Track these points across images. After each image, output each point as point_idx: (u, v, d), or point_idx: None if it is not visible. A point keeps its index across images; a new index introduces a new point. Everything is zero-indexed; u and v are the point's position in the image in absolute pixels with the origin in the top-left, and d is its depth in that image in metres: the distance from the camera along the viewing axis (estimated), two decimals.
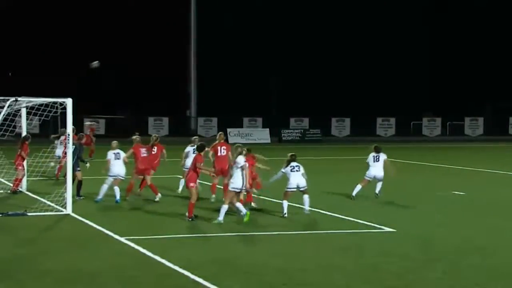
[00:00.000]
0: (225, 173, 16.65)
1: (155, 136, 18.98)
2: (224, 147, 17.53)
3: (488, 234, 13.78)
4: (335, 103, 56.95)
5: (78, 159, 17.33)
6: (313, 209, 16.37)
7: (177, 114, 51.81)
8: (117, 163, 17.11)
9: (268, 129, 48.41)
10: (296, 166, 15.90)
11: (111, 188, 17.20)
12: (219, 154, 17.40)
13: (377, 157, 18.20)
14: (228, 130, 46.50)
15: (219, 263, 11.12)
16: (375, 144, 19.01)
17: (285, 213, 15.55)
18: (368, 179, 18.33)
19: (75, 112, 15.90)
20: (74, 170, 16.75)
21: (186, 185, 15.34)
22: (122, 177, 17.23)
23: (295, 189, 15.81)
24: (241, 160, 14.83)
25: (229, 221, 15.07)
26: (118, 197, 17.10)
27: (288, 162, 15.93)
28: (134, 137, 18.51)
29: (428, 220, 15.39)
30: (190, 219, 14.86)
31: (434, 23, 60.77)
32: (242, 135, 46.99)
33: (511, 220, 15.44)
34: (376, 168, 18.14)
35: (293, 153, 16.22)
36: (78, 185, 17.40)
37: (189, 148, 18.38)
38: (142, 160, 17.62)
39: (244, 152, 15.13)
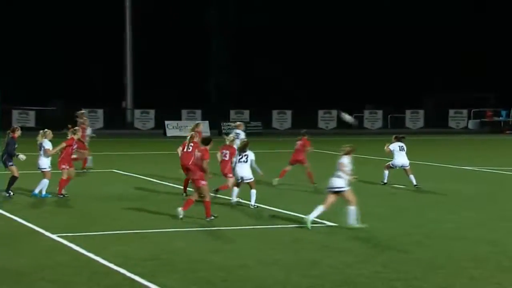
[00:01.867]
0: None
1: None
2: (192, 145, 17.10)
3: (427, 227, 14.16)
4: (276, 95, 57.31)
5: (9, 153, 16.86)
6: (261, 205, 16.45)
7: (112, 106, 51.05)
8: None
9: (207, 121, 48.32)
10: (245, 155, 15.89)
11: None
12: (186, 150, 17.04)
13: (402, 146, 19.69)
14: (166, 122, 46.18)
15: (156, 260, 11.07)
16: (396, 135, 20.73)
17: (233, 200, 15.87)
18: (394, 167, 19.83)
19: (2, 102, 15.47)
20: (6, 165, 16.33)
21: (196, 185, 14.36)
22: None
23: (239, 181, 15.84)
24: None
25: (166, 217, 15.01)
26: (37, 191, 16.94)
27: (239, 150, 15.96)
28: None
29: (369, 214, 15.69)
30: (210, 219, 14.20)
31: (371, 13, 61.65)
32: (181, 128, 46.71)
33: (449, 213, 15.92)
34: (403, 157, 19.63)
35: (245, 141, 16.31)
36: (11, 180, 16.93)
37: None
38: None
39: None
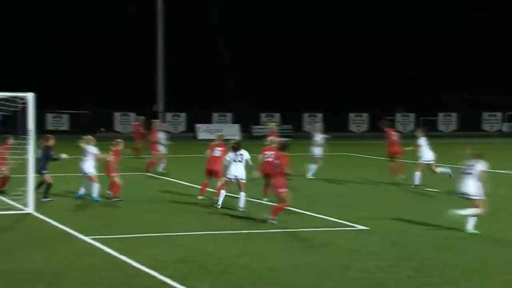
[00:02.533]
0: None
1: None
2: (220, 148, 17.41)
3: (462, 231, 14.00)
4: (307, 98, 57.17)
5: (47, 161, 17.15)
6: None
7: (143, 109, 51.49)
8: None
9: (238, 124, 48.46)
10: (240, 154, 16.00)
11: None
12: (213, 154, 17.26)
13: (427, 141, 20.40)
14: (197, 125, 46.46)
15: (187, 263, 11.15)
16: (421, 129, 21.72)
17: (218, 205, 15.95)
18: (426, 162, 20.26)
19: (37, 107, 15.72)
20: (40, 173, 16.63)
21: (275, 192, 14.32)
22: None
23: (233, 179, 15.94)
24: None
25: (197, 219, 15.12)
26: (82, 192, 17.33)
27: (233, 150, 16.08)
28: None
29: (402, 217, 15.58)
30: (271, 222, 14.19)
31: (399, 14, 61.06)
32: (212, 131, 46.89)
33: (482, 217, 15.71)
34: (430, 151, 20.27)
35: (238, 140, 16.55)
36: (47, 188, 17.18)
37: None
38: None
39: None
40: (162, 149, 23.97)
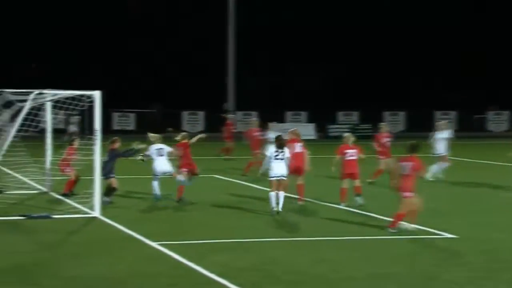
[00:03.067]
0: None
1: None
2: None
3: None
4: (389, 95, 56.39)
5: (113, 164, 17.58)
6: (364, 212, 16.36)
7: (213, 108, 52.02)
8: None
9: (313, 124, 48.29)
10: (281, 152, 16.01)
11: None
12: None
13: None
14: (270, 124, 46.41)
15: (258, 271, 11.19)
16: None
17: (273, 207, 15.88)
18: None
19: (103, 105, 16.12)
20: (106, 177, 17.06)
21: (403, 195, 13.89)
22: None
23: (278, 178, 15.92)
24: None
25: (268, 225, 15.17)
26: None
27: (278, 146, 16.12)
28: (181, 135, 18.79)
29: (493, 225, 15.17)
30: (392, 230, 14.10)
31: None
32: (285, 131, 46.88)
33: None
34: None
35: (280, 136, 16.61)
36: (111, 191, 17.55)
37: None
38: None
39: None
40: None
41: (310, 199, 18.51)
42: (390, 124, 51.39)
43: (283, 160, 16.01)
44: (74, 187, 18.35)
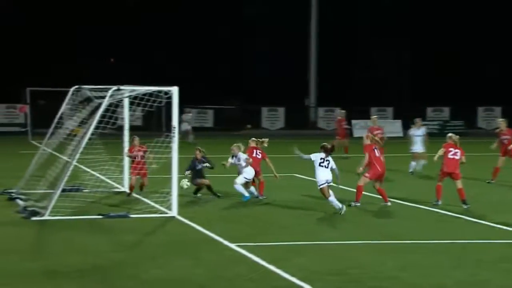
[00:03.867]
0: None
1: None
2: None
3: None
4: (483, 89, 55.02)
5: (199, 171, 18.39)
6: (457, 215, 16.14)
7: (294, 104, 52.03)
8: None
9: (400, 121, 47.65)
10: (326, 160, 16.49)
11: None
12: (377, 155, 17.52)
13: None
14: (353, 122, 46.27)
15: (342, 275, 11.20)
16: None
17: (340, 206, 16.40)
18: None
19: (181, 102, 16.43)
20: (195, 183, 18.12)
21: None
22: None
23: (325, 185, 16.43)
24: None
25: (351, 227, 15.13)
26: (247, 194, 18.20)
27: (326, 152, 16.52)
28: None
29: None
30: None
31: None
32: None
33: None
34: None
35: (326, 144, 16.85)
36: (209, 188, 18.50)
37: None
38: None
39: None
40: (418, 147, 24.24)
41: (398, 200, 18.37)
42: (485, 121, 50.39)
43: (327, 168, 16.51)
44: (143, 189, 18.86)
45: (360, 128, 46.23)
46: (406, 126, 46.08)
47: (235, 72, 57.75)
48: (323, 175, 16.49)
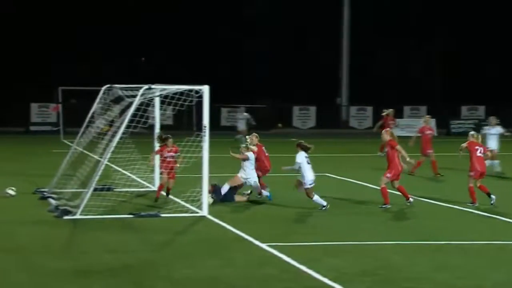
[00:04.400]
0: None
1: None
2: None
3: None
4: None
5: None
6: (494, 216, 15.95)
7: (325, 103, 51.85)
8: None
9: (433, 119, 47.22)
10: (308, 158, 16.62)
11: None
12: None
13: None
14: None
15: (374, 276, 11.12)
16: None
17: (324, 206, 16.67)
18: None
19: (211, 100, 16.44)
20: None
21: None
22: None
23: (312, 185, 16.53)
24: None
25: (384, 227, 15.02)
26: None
27: (307, 150, 16.58)
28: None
29: None
30: None
31: None
32: (402, 127, 46.22)
33: None
34: None
35: (302, 141, 16.88)
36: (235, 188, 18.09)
37: None
38: None
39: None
40: (493, 144, 23.58)
41: (432, 200, 18.20)
42: None
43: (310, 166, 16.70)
44: (162, 193, 18.17)
45: (393, 127, 45.88)
46: (441, 126, 45.87)
47: (266, 71, 57.62)
48: (311, 174, 16.70)
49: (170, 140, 18.09)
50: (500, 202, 17.33)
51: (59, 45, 53.90)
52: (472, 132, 17.97)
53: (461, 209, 17.09)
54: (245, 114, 36.47)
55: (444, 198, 18.59)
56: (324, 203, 16.85)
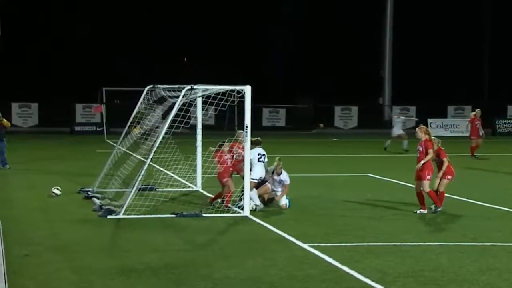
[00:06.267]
0: None
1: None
2: None
3: None
4: None
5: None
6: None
7: (368, 102, 51.51)
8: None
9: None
10: (263, 155, 16.48)
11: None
12: None
13: None
14: (429, 120, 45.54)
15: (418, 277, 10.99)
16: None
17: (256, 206, 16.32)
18: None
19: (253, 101, 16.43)
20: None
21: None
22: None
23: (259, 181, 16.37)
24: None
25: (427, 228, 14.85)
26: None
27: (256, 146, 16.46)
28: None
29: None
30: None
31: None
32: (446, 127, 45.73)
33: None
34: None
35: (259, 138, 16.63)
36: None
37: None
38: None
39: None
40: None
41: (478, 201, 17.96)
42: None
43: (263, 163, 16.62)
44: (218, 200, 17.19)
45: (437, 127, 45.46)
46: (485, 125, 45.22)
47: (306, 71, 57.52)
48: (260, 171, 16.65)
49: (227, 144, 17.17)
50: None
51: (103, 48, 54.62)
52: (433, 137, 16.52)
53: (506, 210, 16.80)
54: (402, 117, 34.75)
55: (485, 199, 18.30)
56: (258, 203, 16.42)
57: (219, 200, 17.04)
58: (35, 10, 55.25)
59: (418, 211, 16.31)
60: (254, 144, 16.76)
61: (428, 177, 16.11)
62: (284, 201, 16.94)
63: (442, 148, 16.63)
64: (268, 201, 17.08)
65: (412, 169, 16.93)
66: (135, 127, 18.16)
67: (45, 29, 55.22)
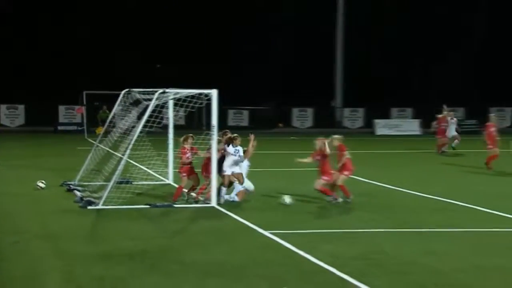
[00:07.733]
0: None
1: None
2: None
3: None
4: (494, 90, 53.94)
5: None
6: (472, 206, 15.89)
7: (321, 105, 51.77)
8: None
9: (418, 120, 47.17)
10: (237, 150, 16.16)
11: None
12: None
13: None
14: (375, 121, 46.01)
15: (366, 260, 11.06)
16: None
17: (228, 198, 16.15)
18: None
19: (220, 103, 16.39)
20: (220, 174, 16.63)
21: None
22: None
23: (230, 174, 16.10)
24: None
25: (375, 216, 14.95)
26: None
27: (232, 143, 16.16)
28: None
29: None
30: None
31: None
32: (390, 126, 46.25)
33: None
34: None
35: (237, 135, 16.34)
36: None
37: None
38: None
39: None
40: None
41: (424, 193, 18.13)
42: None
43: (236, 158, 16.28)
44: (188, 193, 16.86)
45: (381, 127, 45.87)
46: (424, 125, 45.64)
47: (271, 76, 57.38)
48: (232, 166, 16.29)
49: (190, 140, 16.75)
50: (475, 194, 17.20)
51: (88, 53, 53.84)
52: (336, 136, 16.95)
53: (448, 202, 16.96)
54: (456, 119, 32.17)
55: (433, 192, 18.48)
56: (226, 198, 16.24)
57: (193, 194, 16.84)
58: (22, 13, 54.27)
59: (331, 199, 16.45)
60: (232, 140, 16.48)
61: (346, 172, 16.49)
62: (251, 187, 16.85)
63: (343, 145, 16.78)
64: (229, 184, 16.82)
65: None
66: (99, 127, 17.98)
67: (29, 37, 54.31)
